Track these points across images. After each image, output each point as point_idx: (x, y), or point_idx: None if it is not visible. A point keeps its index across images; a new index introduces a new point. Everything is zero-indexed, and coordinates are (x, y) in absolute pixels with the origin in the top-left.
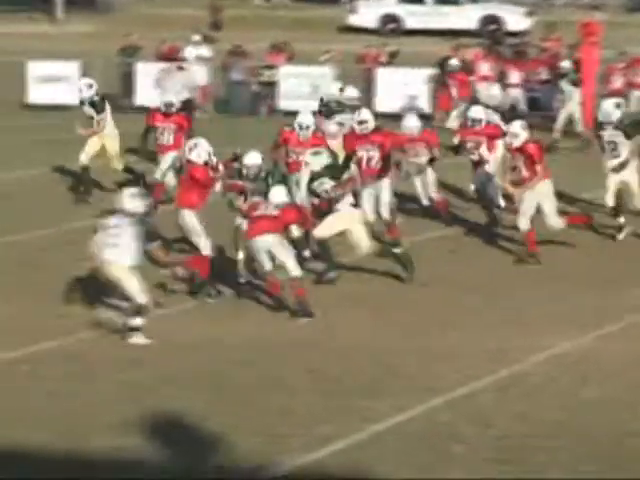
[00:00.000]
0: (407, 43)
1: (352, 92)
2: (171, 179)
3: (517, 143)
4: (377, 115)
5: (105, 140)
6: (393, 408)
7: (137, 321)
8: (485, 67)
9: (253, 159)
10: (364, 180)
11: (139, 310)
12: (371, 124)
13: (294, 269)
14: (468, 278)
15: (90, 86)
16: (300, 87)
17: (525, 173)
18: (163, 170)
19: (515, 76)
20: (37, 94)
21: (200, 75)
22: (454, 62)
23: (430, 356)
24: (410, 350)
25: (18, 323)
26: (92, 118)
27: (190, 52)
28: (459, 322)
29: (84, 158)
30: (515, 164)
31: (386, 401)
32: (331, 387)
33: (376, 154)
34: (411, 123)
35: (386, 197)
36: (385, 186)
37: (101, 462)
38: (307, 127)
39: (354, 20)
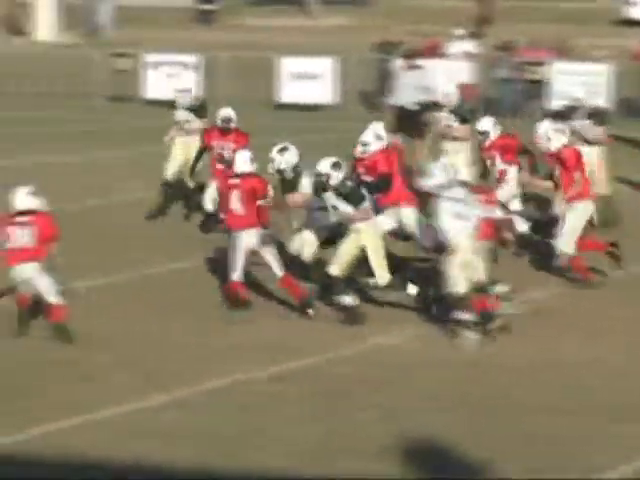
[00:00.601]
0: None
1: (579, 93)
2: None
3: (552, 148)
4: None
5: (191, 148)
6: None
7: (465, 315)
8: None
9: (323, 166)
10: (379, 206)
11: (460, 301)
12: (373, 146)
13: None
14: None
15: (188, 90)
16: (574, 86)
17: (562, 186)
18: (215, 199)
19: None
20: (289, 92)
21: (466, 72)
22: None
23: None
24: None
25: (262, 342)
26: (187, 122)
27: (453, 48)
28: None
29: (171, 176)
30: (551, 173)
31: None
32: (602, 411)
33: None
34: (485, 126)
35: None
36: (409, 215)
37: None
38: (367, 144)
39: (633, 12)
